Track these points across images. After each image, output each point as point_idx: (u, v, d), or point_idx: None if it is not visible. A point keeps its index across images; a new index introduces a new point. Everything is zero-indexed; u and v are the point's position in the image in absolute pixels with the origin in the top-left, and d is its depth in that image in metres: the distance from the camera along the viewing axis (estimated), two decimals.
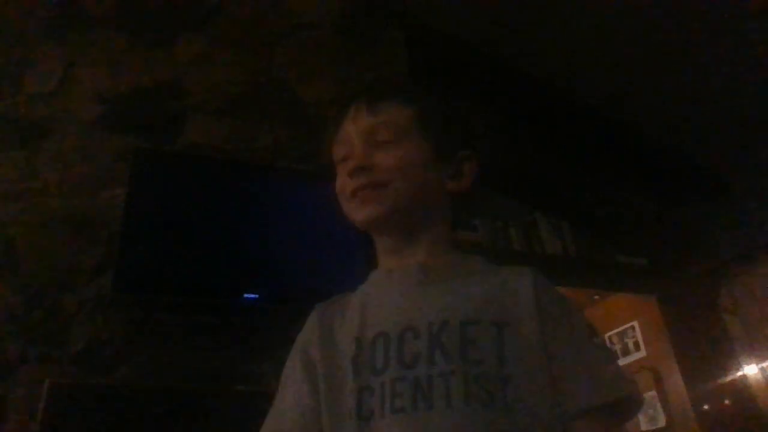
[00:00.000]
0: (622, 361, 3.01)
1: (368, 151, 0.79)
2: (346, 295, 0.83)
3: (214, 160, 2.03)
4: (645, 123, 2.97)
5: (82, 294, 1.71)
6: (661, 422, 2.75)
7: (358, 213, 0.80)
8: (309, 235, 1.93)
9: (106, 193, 1.86)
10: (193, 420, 1.60)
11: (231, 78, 2.21)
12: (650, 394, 2.81)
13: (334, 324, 0.79)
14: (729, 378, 2.85)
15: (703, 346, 2.83)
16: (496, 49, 2.78)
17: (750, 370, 2.96)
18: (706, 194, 3.15)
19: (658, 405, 2.77)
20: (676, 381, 2.73)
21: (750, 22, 2.42)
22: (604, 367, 0.72)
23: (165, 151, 1.98)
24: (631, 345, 2.99)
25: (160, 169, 1.90)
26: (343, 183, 0.81)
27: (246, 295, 1.80)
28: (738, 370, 2.91)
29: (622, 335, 3.04)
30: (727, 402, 2.75)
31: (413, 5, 2.66)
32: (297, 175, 2.08)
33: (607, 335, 3.12)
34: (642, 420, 2.84)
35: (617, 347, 3.05)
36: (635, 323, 2.98)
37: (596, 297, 3.15)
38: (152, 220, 1.80)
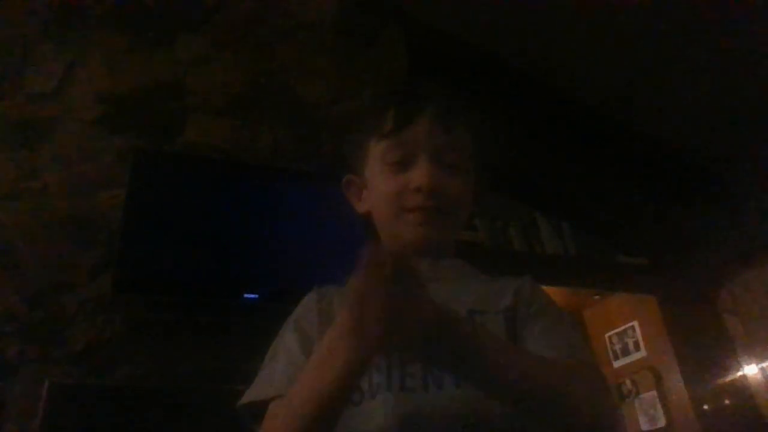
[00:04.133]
0: (622, 361, 3.01)
1: (438, 172, 0.77)
2: (343, 288, 0.83)
3: (214, 160, 2.03)
4: (645, 123, 2.97)
5: (82, 294, 1.71)
6: (661, 422, 2.75)
7: (412, 231, 0.78)
8: (309, 235, 1.93)
9: (106, 193, 1.86)
10: (193, 420, 1.60)
11: (231, 78, 2.21)
12: (650, 394, 2.81)
13: (332, 308, 0.79)
14: (729, 378, 2.85)
15: (703, 346, 2.83)
16: (497, 49, 2.78)
17: (750, 370, 2.96)
18: (706, 194, 3.15)
19: (658, 405, 2.77)
20: (676, 381, 2.73)
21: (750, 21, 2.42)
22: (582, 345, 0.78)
23: (165, 151, 1.99)
24: (631, 345, 2.99)
25: (160, 169, 1.90)
26: (401, 193, 0.78)
27: (246, 295, 1.80)
28: (738, 370, 2.91)
29: (622, 335, 3.04)
30: (727, 402, 2.75)
31: (413, 5, 2.66)
32: (297, 175, 2.08)
33: (607, 335, 3.12)
34: (642, 420, 2.84)
35: (617, 347, 3.05)
36: (635, 323, 2.98)
37: (596, 297, 3.15)
38: (152, 220, 1.80)
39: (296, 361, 0.74)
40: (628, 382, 2.91)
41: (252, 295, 1.80)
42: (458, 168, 0.79)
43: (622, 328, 3.05)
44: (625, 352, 3.01)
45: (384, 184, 0.80)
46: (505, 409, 0.67)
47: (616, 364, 3.03)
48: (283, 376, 0.73)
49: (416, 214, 0.77)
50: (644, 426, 2.83)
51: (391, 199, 0.78)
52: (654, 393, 2.80)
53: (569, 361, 0.70)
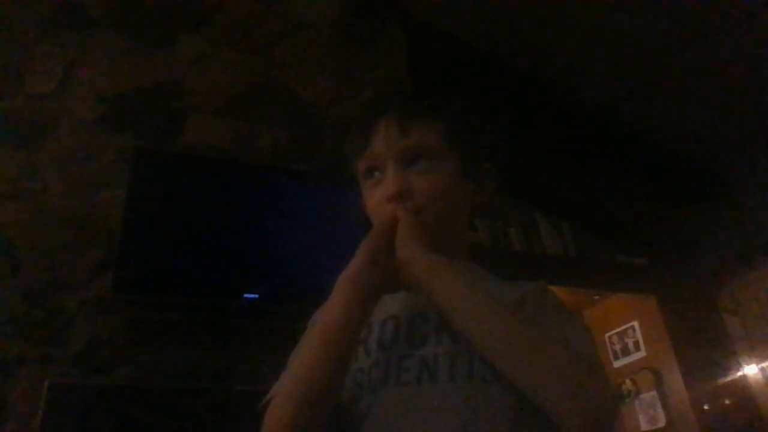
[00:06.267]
0: (622, 361, 3.01)
1: (403, 175, 0.78)
2: None
3: (214, 160, 2.03)
4: (645, 123, 2.97)
5: (82, 294, 1.71)
6: (661, 422, 2.75)
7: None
8: (309, 235, 1.93)
9: (106, 193, 1.86)
10: (193, 420, 1.60)
11: (231, 78, 2.21)
12: (650, 394, 2.81)
13: None
14: (729, 378, 2.85)
15: (703, 346, 2.83)
16: (496, 49, 2.78)
17: (750, 370, 2.96)
18: (706, 194, 3.15)
19: (658, 405, 2.77)
20: (676, 381, 2.73)
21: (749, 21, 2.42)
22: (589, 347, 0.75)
23: (165, 151, 1.99)
24: (631, 345, 2.98)
25: (160, 169, 1.90)
26: (380, 205, 0.79)
27: (246, 295, 1.80)
28: (738, 370, 2.91)
29: (622, 335, 3.04)
30: (727, 402, 2.75)
31: (413, 5, 2.66)
32: (297, 175, 2.08)
33: (607, 335, 3.12)
34: (642, 420, 2.84)
35: (617, 347, 3.05)
36: (635, 323, 2.98)
37: (596, 297, 3.15)
38: (152, 220, 1.80)
39: None
40: (628, 382, 2.91)
41: (252, 295, 1.80)
42: (429, 165, 0.78)
43: (622, 328, 3.04)
44: (625, 352, 3.01)
45: (368, 200, 0.83)
46: (501, 404, 0.67)
47: (616, 364, 3.03)
48: None
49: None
50: (644, 426, 2.83)
51: (375, 214, 0.81)
52: (654, 393, 2.80)
53: (560, 345, 0.66)
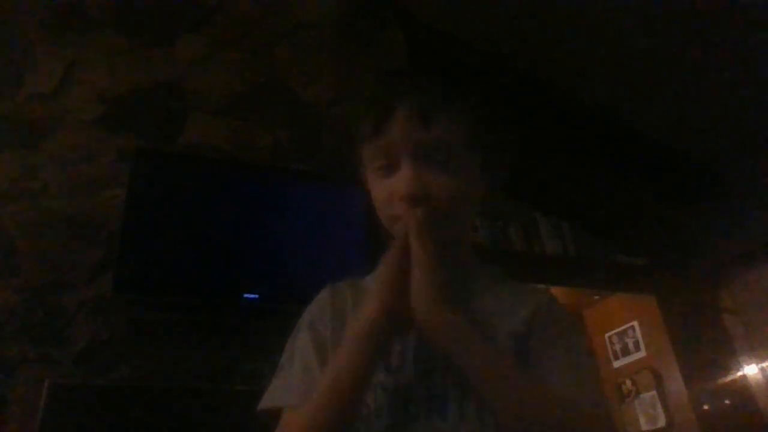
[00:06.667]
0: (622, 361, 3.01)
1: (421, 173, 0.70)
2: (359, 281, 0.81)
3: (214, 160, 2.03)
4: (645, 123, 2.97)
5: (82, 294, 1.72)
6: (661, 422, 2.75)
7: None
8: (309, 235, 1.93)
9: (106, 193, 1.86)
10: (193, 420, 1.60)
11: (231, 78, 2.21)
12: (650, 394, 2.82)
13: (345, 308, 0.77)
14: (729, 378, 2.85)
15: (703, 346, 2.83)
16: (496, 49, 2.77)
17: (750, 370, 2.96)
18: (706, 194, 3.15)
19: (658, 405, 2.77)
20: (676, 381, 2.73)
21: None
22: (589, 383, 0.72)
23: (165, 151, 1.99)
24: (631, 345, 2.99)
25: (160, 169, 1.90)
26: (390, 200, 0.73)
27: (246, 295, 1.80)
28: (738, 370, 2.91)
29: (622, 335, 3.05)
30: (727, 402, 2.75)
31: (413, 5, 2.66)
32: (297, 175, 2.08)
33: (607, 335, 3.12)
34: (642, 420, 2.85)
35: (617, 347, 3.06)
36: (635, 323, 2.98)
37: (596, 297, 3.15)
38: (152, 220, 1.80)
39: (311, 369, 0.72)
40: (628, 382, 2.92)
41: (252, 295, 1.80)
42: (448, 162, 0.72)
43: (622, 328, 3.05)
44: (625, 352, 3.01)
45: (375, 191, 0.76)
46: None
47: (616, 364, 3.03)
48: (299, 384, 0.72)
49: None
50: (644, 426, 2.83)
51: (383, 207, 0.74)
52: (654, 393, 2.80)
53: (569, 404, 0.65)
